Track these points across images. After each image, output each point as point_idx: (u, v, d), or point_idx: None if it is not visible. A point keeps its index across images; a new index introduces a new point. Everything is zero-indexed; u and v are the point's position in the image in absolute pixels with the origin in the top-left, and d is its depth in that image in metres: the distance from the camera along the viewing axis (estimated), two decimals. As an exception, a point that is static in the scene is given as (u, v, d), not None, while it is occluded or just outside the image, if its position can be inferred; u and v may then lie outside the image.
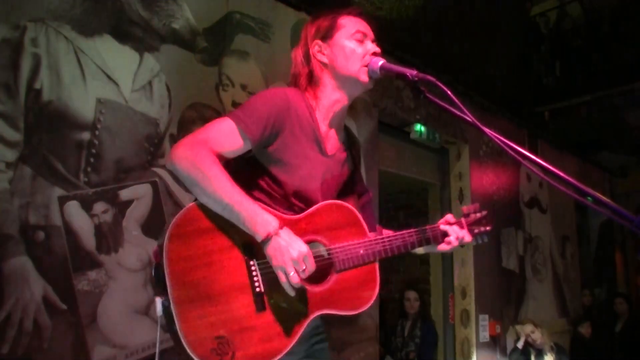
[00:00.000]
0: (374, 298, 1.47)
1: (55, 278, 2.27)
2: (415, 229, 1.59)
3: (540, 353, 4.82)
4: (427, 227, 1.61)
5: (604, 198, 1.08)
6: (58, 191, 2.33)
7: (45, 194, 2.29)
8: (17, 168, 2.23)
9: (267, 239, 1.28)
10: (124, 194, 2.55)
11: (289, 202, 1.45)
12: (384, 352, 4.69)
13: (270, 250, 1.29)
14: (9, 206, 2.18)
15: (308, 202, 1.46)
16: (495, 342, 5.08)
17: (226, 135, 1.38)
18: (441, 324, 5.01)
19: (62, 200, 2.33)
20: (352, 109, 1.63)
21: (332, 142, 1.57)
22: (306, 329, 1.42)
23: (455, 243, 1.61)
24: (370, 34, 1.55)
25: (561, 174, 1.13)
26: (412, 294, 4.79)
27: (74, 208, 2.37)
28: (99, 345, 2.35)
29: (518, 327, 5.04)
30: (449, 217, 1.66)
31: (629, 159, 7.85)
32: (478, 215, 1.67)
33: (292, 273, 1.27)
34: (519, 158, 1.19)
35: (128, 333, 2.46)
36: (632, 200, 7.83)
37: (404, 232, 1.56)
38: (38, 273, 2.22)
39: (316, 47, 1.54)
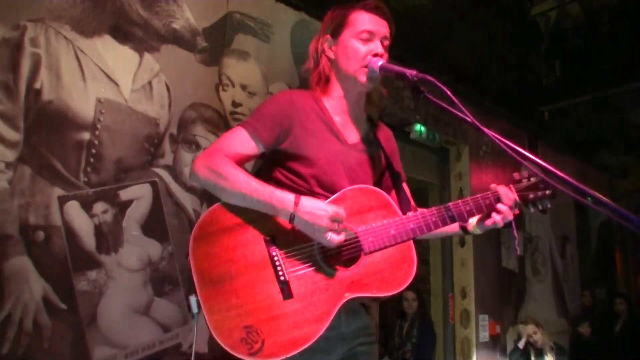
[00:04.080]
0: (410, 278, 1.43)
1: (55, 278, 2.27)
2: (454, 202, 1.49)
3: (540, 353, 4.82)
4: (470, 197, 1.50)
5: (604, 198, 1.08)
6: (58, 191, 2.33)
7: (45, 194, 2.29)
8: (17, 168, 2.23)
9: (292, 217, 1.33)
10: (124, 194, 2.55)
11: (313, 193, 1.46)
12: (383, 352, 4.69)
13: (301, 226, 1.34)
14: (9, 206, 2.18)
15: (334, 191, 1.47)
16: (495, 342, 5.08)
17: (239, 142, 1.46)
18: (441, 324, 5.00)
19: (62, 200, 2.33)
20: (370, 102, 1.64)
21: (352, 133, 1.59)
22: (349, 328, 1.44)
23: (509, 215, 1.47)
24: (382, 32, 1.53)
25: (561, 174, 1.13)
26: (410, 294, 4.79)
27: (74, 208, 2.37)
28: (99, 345, 2.35)
29: (520, 327, 5.03)
30: (494, 186, 1.53)
31: (629, 159, 7.84)
32: (533, 180, 1.54)
33: (329, 237, 1.32)
34: (519, 158, 1.20)
35: (128, 333, 2.46)
36: (633, 200, 7.83)
37: (442, 206, 1.48)
38: (38, 273, 2.22)
39: (326, 42, 1.59)
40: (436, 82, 1.29)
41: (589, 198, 1.09)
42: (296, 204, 1.33)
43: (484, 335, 4.92)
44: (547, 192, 1.53)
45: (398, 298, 4.96)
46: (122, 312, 2.46)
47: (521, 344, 4.90)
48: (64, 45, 2.43)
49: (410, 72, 1.36)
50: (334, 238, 1.32)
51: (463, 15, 5.29)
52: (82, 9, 2.51)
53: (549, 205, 1.54)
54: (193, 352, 1.50)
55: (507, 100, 5.79)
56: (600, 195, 1.08)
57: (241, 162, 1.46)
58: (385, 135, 1.70)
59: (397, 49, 4.17)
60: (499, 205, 1.48)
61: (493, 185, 1.54)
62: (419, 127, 4.52)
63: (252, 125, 1.46)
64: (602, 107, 6.80)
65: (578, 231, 7.21)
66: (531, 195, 1.53)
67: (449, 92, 1.25)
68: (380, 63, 1.47)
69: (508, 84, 5.97)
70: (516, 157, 1.20)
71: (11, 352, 2.10)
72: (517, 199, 1.52)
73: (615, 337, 6.18)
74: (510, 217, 1.49)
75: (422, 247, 5.47)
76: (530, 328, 4.85)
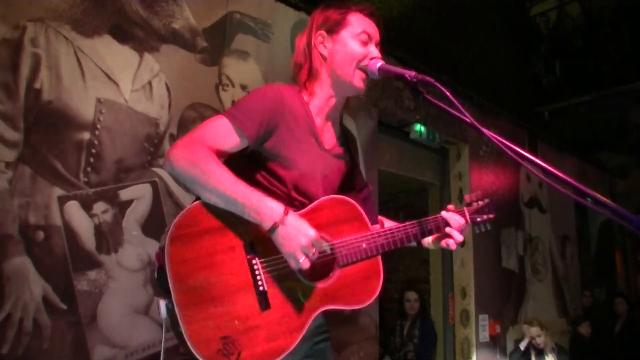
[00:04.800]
0: (377, 291, 1.47)
1: (55, 278, 2.27)
2: (418, 220, 1.59)
3: (541, 353, 4.81)
4: (430, 217, 1.61)
5: (603, 198, 1.08)
6: (58, 191, 2.33)
7: (45, 194, 2.29)
8: (17, 168, 2.23)
9: (274, 227, 1.28)
10: (124, 194, 2.55)
11: (290, 197, 1.45)
12: (383, 352, 4.70)
13: (279, 238, 1.29)
14: (9, 206, 2.18)
15: (309, 197, 1.46)
16: (495, 342, 5.08)
17: (222, 133, 1.37)
18: (441, 324, 5.01)
19: (62, 200, 2.33)
20: (347, 105, 1.64)
21: (329, 136, 1.58)
22: (309, 327, 1.42)
23: (458, 238, 1.60)
24: (376, 37, 1.54)
25: (561, 174, 1.13)
26: (412, 295, 4.79)
27: (74, 208, 2.37)
28: (99, 345, 2.35)
29: (524, 327, 5.01)
30: (451, 207, 1.65)
31: (629, 159, 7.85)
32: (480, 203, 1.68)
33: (302, 259, 1.28)
34: (518, 159, 1.19)
35: (128, 333, 2.46)
36: (632, 200, 7.83)
37: (407, 224, 1.56)
38: (38, 273, 2.22)
39: (319, 37, 1.54)
40: (435, 82, 1.30)
41: (589, 198, 1.09)
42: (286, 213, 1.29)
43: (484, 335, 4.92)
44: (490, 215, 1.68)
45: (399, 299, 4.97)
46: (122, 312, 2.46)
47: (523, 345, 4.88)
48: (64, 45, 2.43)
49: (410, 73, 1.36)
50: (305, 263, 1.29)
51: (463, 15, 5.29)
52: (82, 9, 2.51)
53: (489, 228, 1.69)
54: (162, 356, 1.47)
55: (507, 100, 5.79)
56: (600, 196, 1.08)
57: (223, 154, 1.37)
58: (352, 139, 1.70)
59: (397, 49, 4.19)
60: (448, 229, 1.60)
61: (450, 207, 1.65)
62: (419, 127, 4.52)
63: (237, 117, 1.37)
64: (602, 107, 6.80)
65: (578, 231, 7.21)
66: (478, 219, 1.67)
67: (448, 93, 1.25)
68: (379, 65, 1.47)
69: (508, 84, 5.97)
70: (516, 158, 1.20)
71: (11, 352, 2.10)
72: (469, 221, 1.65)
73: (615, 337, 6.18)
74: (459, 239, 1.60)
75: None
76: (535, 330, 4.82)
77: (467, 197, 1.68)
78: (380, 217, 1.70)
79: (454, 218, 1.60)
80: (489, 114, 5.42)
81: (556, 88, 6.79)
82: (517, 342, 5.05)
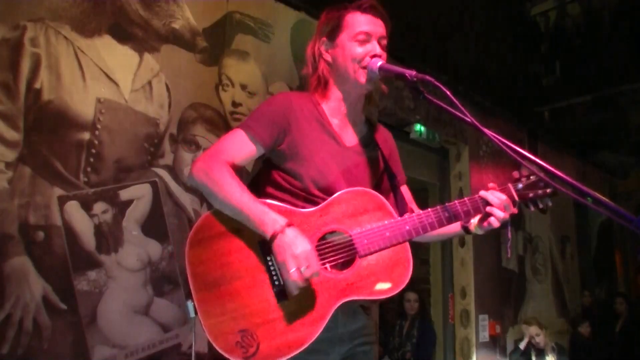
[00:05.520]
0: (406, 280, 1.43)
1: (55, 278, 2.27)
2: (452, 202, 1.49)
3: (541, 353, 4.81)
4: (467, 198, 1.49)
5: (603, 198, 1.08)
6: (58, 191, 2.33)
7: (45, 194, 2.29)
8: (17, 168, 2.23)
9: (273, 237, 1.32)
10: (124, 194, 2.55)
11: (309, 194, 1.46)
12: (383, 352, 4.70)
13: (275, 247, 1.32)
14: (9, 206, 2.18)
15: (331, 193, 1.47)
16: (495, 342, 5.08)
17: (238, 144, 1.46)
18: (441, 324, 5.01)
19: (62, 200, 2.33)
20: (370, 101, 1.64)
21: (350, 135, 1.59)
22: (347, 329, 1.44)
23: (499, 214, 1.45)
24: (378, 32, 1.53)
25: (561, 174, 1.13)
26: (412, 295, 4.79)
27: (74, 208, 2.37)
28: (98, 345, 2.35)
29: (524, 327, 5.02)
30: (492, 184, 1.52)
31: (629, 159, 7.84)
32: (533, 178, 1.51)
33: (292, 270, 1.29)
34: (519, 158, 1.19)
35: (128, 333, 2.46)
36: (633, 201, 7.83)
37: (438, 207, 1.48)
38: (38, 273, 2.22)
39: (323, 45, 1.58)
40: (435, 82, 1.29)
41: (589, 198, 1.09)
42: (288, 226, 1.32)
43: (484, 335, 4.92)
44: (548, 190, 1.51)
45: (399, 299, 4.96)
46: (122, 312, 2.46)
47: (522, 345, 4.89)
48: (64, 45, 2.43)
49: (410, 73, 1.36)
50: (295, 274, 1.28)
51: (463, 15, 5.30)
52: (82, 9, 2.51)
53: (549, 204, 1.52)
54: (193, 356, 1.53)
55: (507, 100, 5.79)
56: (600, 195, 1.08)
57: (241, 164, 1.47)
58: (384, 137, 1.69)
59: (396, 49, 4.18)
60: (489, 208, 1.48)
61: (491, 184, 1.53)
62: (419, 127, 4.52)
63: (250, 127, 1.47)
64: (602, 107, 6.80)
65: (578, 231, 7.21)
66: (531, 194, 1.52)
67: (448, 92, 1.25)
68: (379, 64, 1.47)
69: (508, 84, 5.97)
70: (516, 157, 1.20)
71: (11, 352, 2.10)
72: (516, 197, 1.51)
73: (615, 337, 6.18)
74: (501, 216, 1.47)
75: (422, 247, 5.47)
76: (534, 329, 4.83)
77: (515, 174, 1.54)
78: (410, 206, 1.64)
79: (493, 195, 1.47)
80: (489, 114, 5.41)
81: (556, 88, 6.79)
82: (517, 342, 5.06)
